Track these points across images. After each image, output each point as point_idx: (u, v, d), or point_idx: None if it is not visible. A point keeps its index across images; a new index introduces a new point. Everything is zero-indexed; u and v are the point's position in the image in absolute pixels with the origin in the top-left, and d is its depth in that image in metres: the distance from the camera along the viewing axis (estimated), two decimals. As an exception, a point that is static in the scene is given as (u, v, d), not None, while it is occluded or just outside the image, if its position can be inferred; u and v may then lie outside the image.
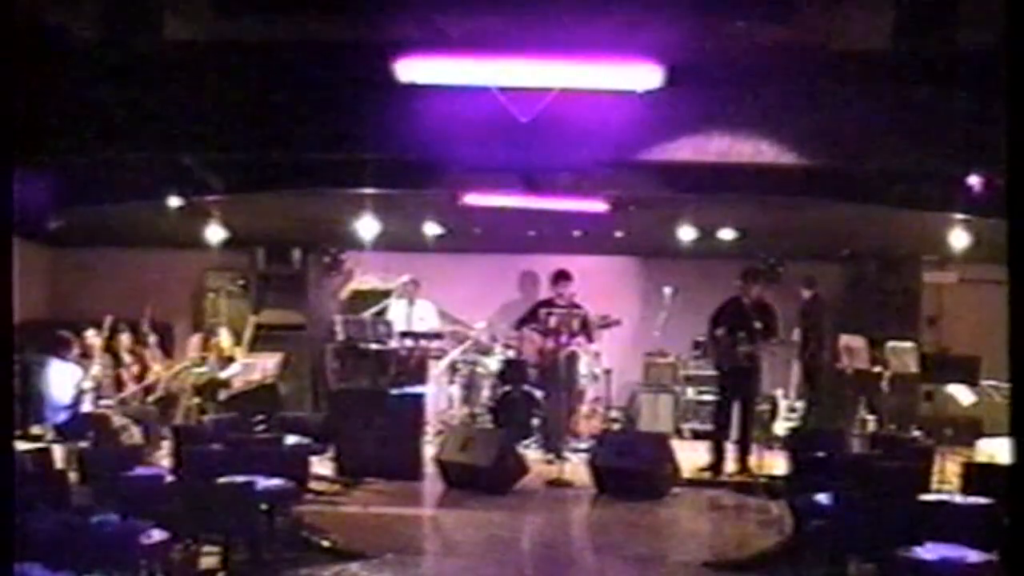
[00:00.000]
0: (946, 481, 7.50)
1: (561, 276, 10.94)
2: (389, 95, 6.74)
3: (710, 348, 10.15)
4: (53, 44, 6.64)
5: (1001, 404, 9.25)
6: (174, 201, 9.32)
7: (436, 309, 11.68)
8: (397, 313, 11.34)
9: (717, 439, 9.84)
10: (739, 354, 9.64)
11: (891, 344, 10.07)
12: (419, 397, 9.84)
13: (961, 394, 10.09)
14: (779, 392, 11.45)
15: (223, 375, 10.58)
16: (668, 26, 6.38)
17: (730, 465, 9.66)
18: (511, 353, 11.57)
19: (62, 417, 8.95)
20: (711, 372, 11.58)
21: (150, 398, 10.21)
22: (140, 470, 6.42)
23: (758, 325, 9.62)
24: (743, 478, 9.32)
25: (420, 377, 10.29)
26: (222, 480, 6.05)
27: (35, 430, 8.81)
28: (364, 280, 13.03)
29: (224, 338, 11.06)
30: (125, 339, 10.56)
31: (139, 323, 10.89)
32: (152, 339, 10.92)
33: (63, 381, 9.07)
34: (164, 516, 5.23)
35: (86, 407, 9.20)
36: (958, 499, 5.81)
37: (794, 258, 12.61)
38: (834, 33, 6.56)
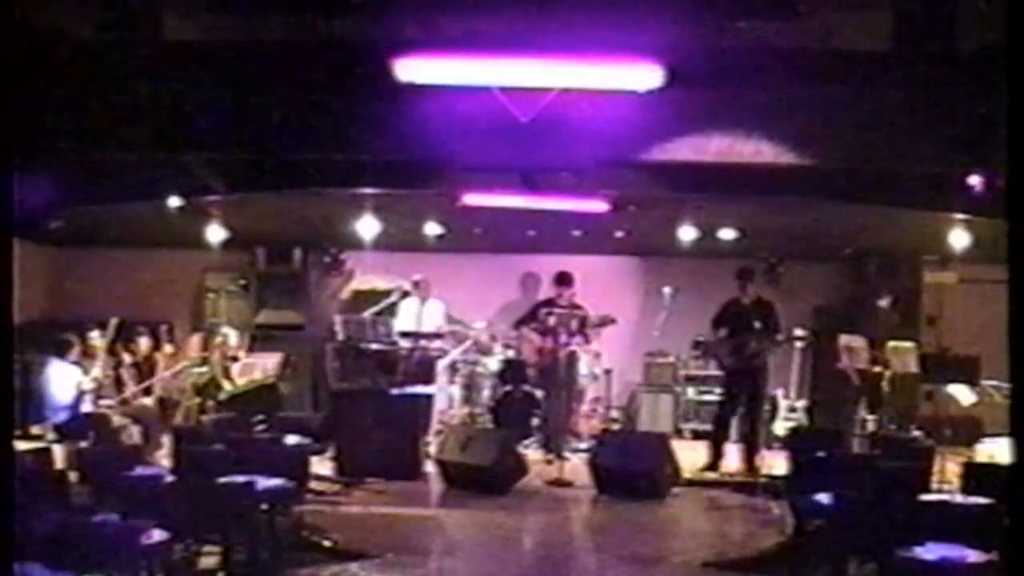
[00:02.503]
0: (946, 481, 7.50)
1: (563, 278, 10.94)
2: (389, 95, 6.74)
3: (716, 349, 10.15)
4: (53, 44, 6.65)
5: (1001, 404, 9.25)
6: (174, 201, 9.32)
7: (445, 309, 11.70)
8: (409, 311, 11.35)
9: (717, 439, 9.84)
10: (744, 354, 9.65)
11: (891, 344, 10.07)
12: (420, 397, 9.84)
13: (961, 394, 10.10)
14: (779, 392, 11.45)
15: (236, 368, 10.58)
16: (668, 26, 6.39)
17: (736, 464, 9.65)
18: (511, 353, 11.57)
19: (62, 417, 8.95)
20: (711, 372, 11.62)
21: (150, 398, 10.20)
22: (140, 470, 6.42)
23: (758, 324, 9.64)
24: (750, 477, 9.31)
25: (423, 377, 10.27)
26: (222, 480, 6.05)
27: (35, 430, 8.80)
28: (364, 280, 13.03)
29: (232, 337, 11.04)
30: (144, 342, 10.57)
31: (156, 327, 10.92)
32: (168, 348, 10.94)
33: (63, 381, 9.07)
34: (164, 516, 5.23)
35: (87, 407, 9.20)
36: (958, 499, 5.81)
37: (794, 258, 12.65)
38: (834, 33, 6.56)
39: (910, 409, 10.82)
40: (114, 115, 6.87)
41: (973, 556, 4.81)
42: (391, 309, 11.24)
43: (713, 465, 9.67)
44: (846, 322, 11.63)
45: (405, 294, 11.55)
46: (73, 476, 6.37)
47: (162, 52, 6.78)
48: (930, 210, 9.21)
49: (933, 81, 6.53)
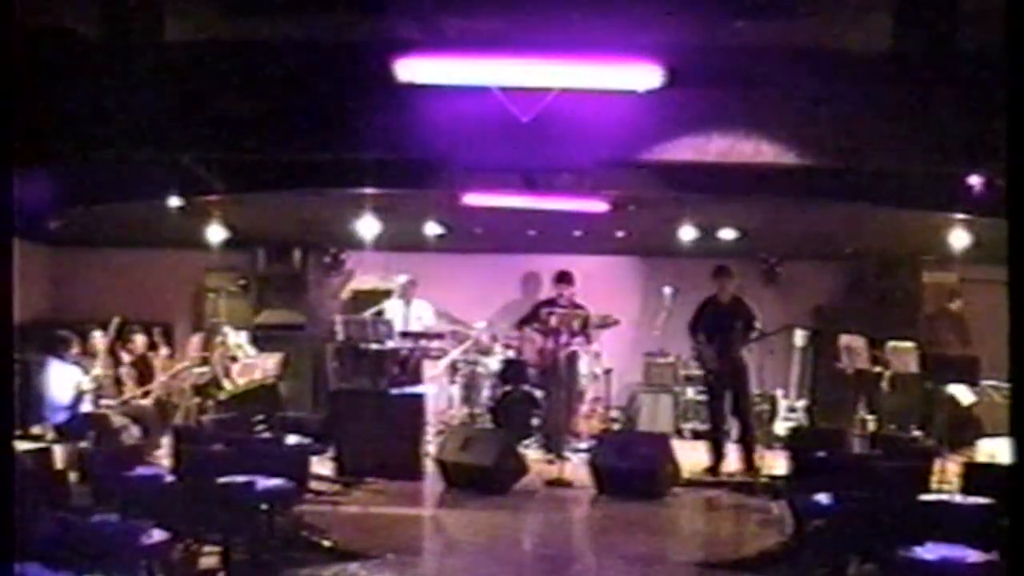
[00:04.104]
0: (946, 481, 7.50)
1: (563, 276, 10.94)
2: (389, 95, 6.74)
3: (700, 352, 10.16)
4: (53, 44, 6.64)
5: (1001, 404, 9.26)
6: (174, 201, 9.32)
7: (433, 309, 11.68)
8: (394, 313, 11.33)
9: (714, 439, 9.84)
10: (728, 355, 9.65)
11: (891, 344, 10.07)
12: (419, 397, 9.84)
13: (961, 394, 10.10)
14: (779, 392, 11.45)
15: (236, 368, 10.59)
16: (668, 26, 6.38)
17: (736, 465, 9.64)
18: (511, 353, 11.57)
19: (62, 417, 8.95)
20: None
21: (150, 398, 10.21)
22: (140, 470, 6.42)
23: (738, 324, 9.64)
24: (751, 477, 9.31)
25: (413, 378, 10.27)
26: (222, 480, 6.05)
27: (35, 430, 8.81)
28: (364, 280, 13.03)
29: (232, 337, 11.04)
30: (140, 341, 10.58)
31: (151, 327, 10.92)
32: (164, 350, 10.94)
33: (63, 381, 9.07)
34: (164, 516, 5.23)
35: (87, 407, 9.20)
36: (958, 499, 5.81)
37: (794, 258, 12.65)
38: (834, 33, 6.56)
39: (910, 409, 10.83)
40: (114, 115, 6.87)
41: (973, 556, 4.81)
42: (379, 312, 11.22)
43: (714, 467, 9.66)
44: (846, 322, 11.62)
45: (402, 295, 11.55)
46: (73, 476, 6.38)
47: (162, 52, 6.78)
48: (930, 210, 9.21)
49: (933, 81, 6.53)
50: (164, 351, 10.97)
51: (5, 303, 3.27)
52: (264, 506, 6.22)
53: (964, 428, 9.98)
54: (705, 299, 9.99)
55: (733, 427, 10.04)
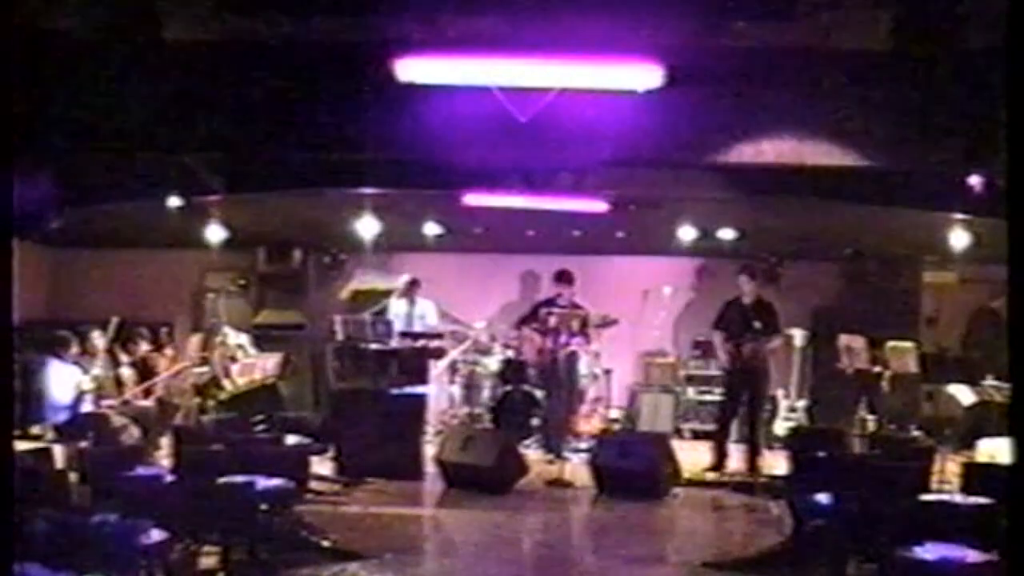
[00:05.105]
0: (946, 481, 7.50)
1: (562, 276, 10.94)
2: (389, 95, 6.74)
3: (717, 352, 10.12)
4: (53, 44, 6.65)
5: (1001, 404, 9.25)
6: (174, 201, 9.32)
7: (437, 308, 11.68)
8: (397, 312, 11.33)
9: (720, 439, 9.83)
10: (746, 355, 9.62)
11: (891, 344, 10.07)
12: (420, 397, 9.83)
13: (961, 394, 10.09)
14: (779, 392, 11.46)
15: (236, 368, 10.58)
16: (668, 26, 6.39)
17: (737, 465, 9.64)
18: (511, 353, 11.57)
19: (62, 417, 8.94)
20: (711, 372, 11.63)
21: (150, 399, 10.20)
22: (140, 470, 6.41)
23: (758, 325, 9.62)
24: (750, 477, 9.30)
25: (421, 377, 10.27)
26: (222, 480, 6.05)
27: (35, 430, 8.80)
28: (364, 280, 13.03)
29: (232, 337, 11.04)
30: (144, 344, 10.58)
31: (156, 329, 10.93)
32: (169, 351, 10.94)
33: (63, 381, 9.06)
34: (164, 516, 5.22)
35: (87, 407, 9.19)
36: (958, 499, 5.81)
37: (794, 258, 12.66)
38: (834, 33, 6.57)
39: (910, 409, 10.82)
40: (114, 115, 6.87)
41: (973, 556, 4.81)
42: (381, 311, 11.21)
43: (717, 466, 9.65)
44: (846, 322, 11.62)
45: (406, 294, 11.54)
46: (73, 476, 6.37)
47: (162, 52, 6.78)
48: (930, 210, 9.21)
49: (933, 81, 6.53)
50: (169, 351, 10.97)
51: (5, 303, 3.27)
52: (264, 506, 6.21)
53: (964, 428, 9.98)
54: (729, 300, 9.97)
55: (737, 427, 10.04)
